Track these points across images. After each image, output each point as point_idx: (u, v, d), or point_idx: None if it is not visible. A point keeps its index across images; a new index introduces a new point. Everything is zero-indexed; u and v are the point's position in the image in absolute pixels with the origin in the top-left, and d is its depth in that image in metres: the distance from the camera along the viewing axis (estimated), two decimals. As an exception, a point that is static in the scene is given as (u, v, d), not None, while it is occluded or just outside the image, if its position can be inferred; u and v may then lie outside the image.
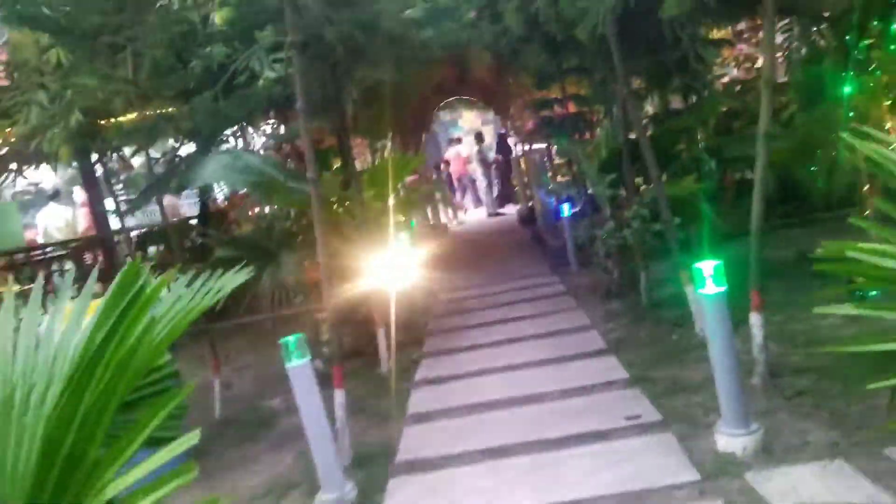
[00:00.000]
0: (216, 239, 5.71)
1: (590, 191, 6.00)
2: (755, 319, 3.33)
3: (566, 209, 7.11)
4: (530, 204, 11.24)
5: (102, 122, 5.78)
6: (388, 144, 10.26)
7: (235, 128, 7.15)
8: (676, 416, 3.24)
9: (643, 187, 4.96)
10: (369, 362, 4.86)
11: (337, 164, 7.15)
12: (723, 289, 2.77)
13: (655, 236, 4.44)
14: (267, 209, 7.08)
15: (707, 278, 2.79)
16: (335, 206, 5.52)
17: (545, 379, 3.98)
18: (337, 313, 5.03)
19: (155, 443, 1.27)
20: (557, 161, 8.09)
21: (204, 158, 5.63)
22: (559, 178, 7.98)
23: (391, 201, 5.91)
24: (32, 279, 7.99)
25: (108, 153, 6.76)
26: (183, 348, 6.37)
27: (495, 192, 15.05)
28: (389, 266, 5.49)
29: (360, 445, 3.52)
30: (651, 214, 4.32)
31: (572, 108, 7.41)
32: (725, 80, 7.15)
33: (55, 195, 11.10)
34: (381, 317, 4.68)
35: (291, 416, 3.90)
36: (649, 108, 7.28)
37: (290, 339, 2.95)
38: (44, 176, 11.37)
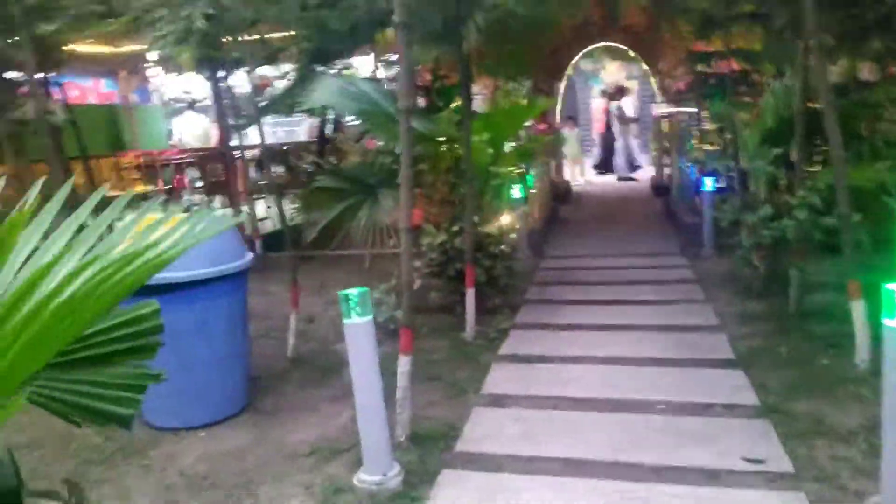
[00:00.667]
0: (320, 167, 5.39)
1: (743, 165, 5.04)
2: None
3: (708, 183, 6.15)
4: (668, 172, 10.13)
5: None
6: (520, 87, 9.52)
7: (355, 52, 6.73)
8: (814, 470, 2.50)
9: (816, 170, 4.00)
10: (455, 322, 4.40)
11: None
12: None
13: (824, 233, 3.54)
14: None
15: (905, 306, 2.01)
16: (444, 147, 5.01)
17: (653, 384, 3.32)
18: (428, 264, 4.63)
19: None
20: (708, 127, 7.02)
21: (317, 81, 5.31)
22: (706, 147, 6.93)
23: (506, 148, 5.31)
24: (165, 181, 8.31)
25: (232, 69, 6.65)
26: (280, 271, 6.29)
27: (635, 154, 13.88)
28: (493, 220, 4.95)
29: (420, 420, 3.08)
30: (824, 205, 3.42)
31: (735, 65, 6.31)
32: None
33: (192, 104, 11.48)
34: (474, 274, 4.18)
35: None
36: (832, 76, 6.02)
37: (353, 293, 2.51)
38: (194, 86, 11.79)
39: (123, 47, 7.62)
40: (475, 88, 10.12)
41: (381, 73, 8.97)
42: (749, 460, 2.56)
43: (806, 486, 2.41)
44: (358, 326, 2.51)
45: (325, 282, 6.02)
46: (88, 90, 12.29)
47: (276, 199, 4.58)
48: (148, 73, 12.23)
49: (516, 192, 6.35)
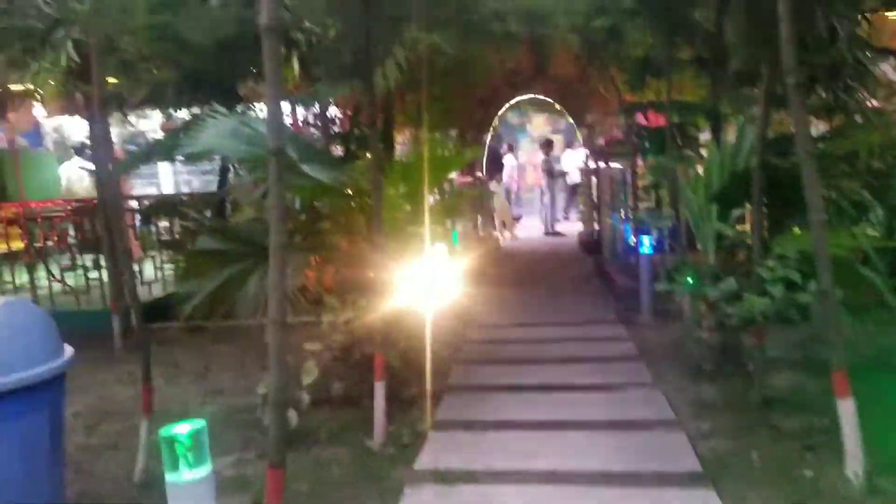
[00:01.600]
0: (200, 224, 4.50)
1: (686, 222, 4.55)
2: None
3: (647, 243, 5.65)
4: (596, 228, 9.77)
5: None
6: (445, 138, 8.97)
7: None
8: None
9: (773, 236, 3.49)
10: (362, 419, 3.56)
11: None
12: None
13: (799, 311, 2.99)
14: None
15: None
16: (354, 202, 4.25)
17: (606, 511, 2.58)
18: (329, 346, 3.80)
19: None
20: (642, 182, 6.61)
21: (207, 121, 4.48)
22: (642, 204, 6.51)
23: (429, 201, 4.59)
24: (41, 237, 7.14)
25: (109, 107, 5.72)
26: (164, 346, 5.27)
27: (558, 208, 13.63)
28: (412, 287, 4.18)
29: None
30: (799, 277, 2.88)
31: (665, 119, 5.95)
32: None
33: (81, 149, 10.30)
34: (384, 361, 3.38)
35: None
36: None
37: (182, 433, 1.66)
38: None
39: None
40: (398, 139, 9.54)
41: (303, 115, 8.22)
42: None
43: None
44: (189, 488, 1.66)
45: (210, 363, 5.05)
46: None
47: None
48: (37, 112, 10.98)
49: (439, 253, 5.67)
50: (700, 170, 4.24)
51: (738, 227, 3.76)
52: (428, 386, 3.99)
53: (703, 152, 6.47)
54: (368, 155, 5.18)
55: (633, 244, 6.28)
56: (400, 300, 3.80)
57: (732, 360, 4.01)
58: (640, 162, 6.67)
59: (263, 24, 1.96)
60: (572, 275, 8.28)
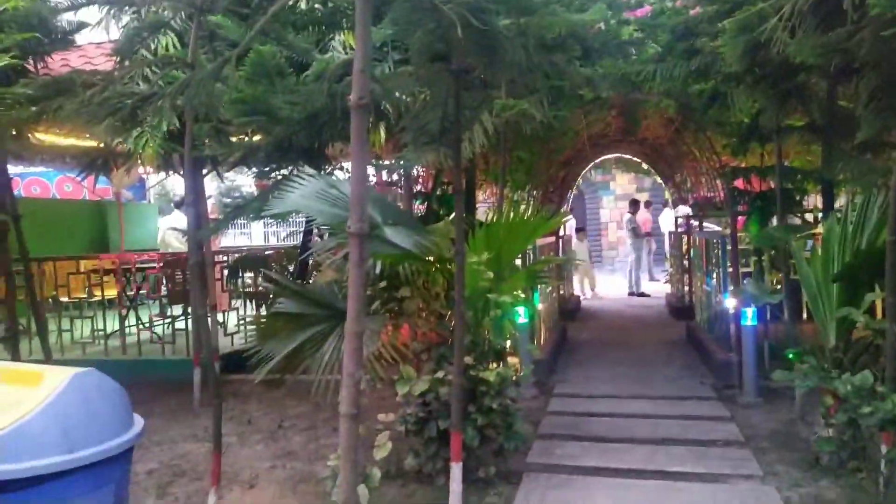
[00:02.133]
0: (279, 285, 4.49)
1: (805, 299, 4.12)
2: None
3: (750, 315, 5.17)
4: (688, 290, 9.21)
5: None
6: (528, 197, 8.82)
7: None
8: None
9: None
10: (434, 499, 3.32)
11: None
12: None
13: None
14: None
15: None
16: (436, 267, 4.11)
17: None
18: (404, 419, 3.61)
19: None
20: (743, 247, 6.17)
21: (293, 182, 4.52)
22: (743, 269, 6.05)
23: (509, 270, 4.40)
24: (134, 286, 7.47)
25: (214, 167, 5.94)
26: (240, 399, 5.24)
27: (643, 269, 13.08)
28: (491, 357, 3.95)
29: None
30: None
31: (771, 183, 5.54)
32: None
33: (180, 203, 10.83)
34: (461, 445, 3.14)
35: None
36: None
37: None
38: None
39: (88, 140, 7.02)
40: (480, 196, 9.47)
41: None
42: None
43: None
44: None
45: (284, 420, 4.97)
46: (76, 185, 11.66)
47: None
48: (142, 169, 11.74)
49: (521, 315, 5.42)
50: (813, 243, 3.84)
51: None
52: (507, 462, 3.73)
53: (809, 217, 6.00)
54: (451, 217, 5.10)
55: (731, 311, 5.81)
56: (479, 371, 3.58)
57: (858, 456, 3.51)
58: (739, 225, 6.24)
59: (353, 101, 1.87)
60: (662, 340, 7.79)
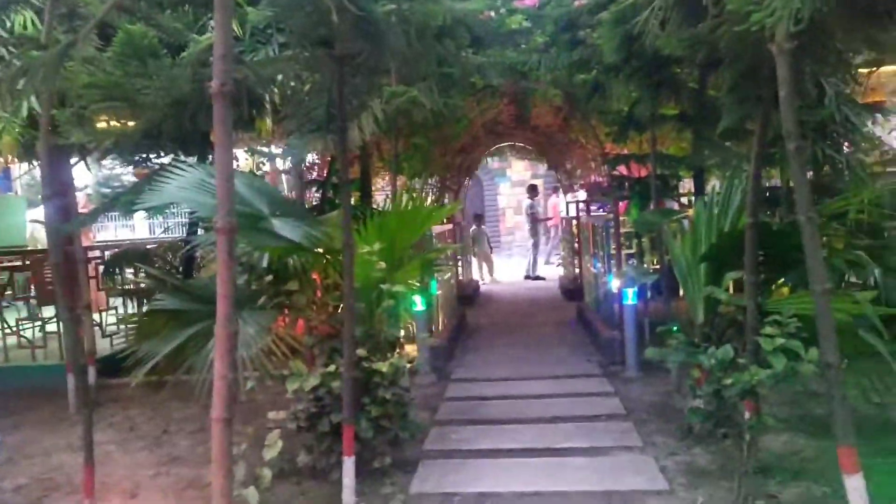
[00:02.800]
0: (158, 281, 4.24)
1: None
2: None
3: (630, 295, 5.48)
4: (578, 272, 9.62)
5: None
6: (426, 185, 8.85)
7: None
8: None
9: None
10: (329, 496, 3.28)
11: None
12: None
13: (802, 383, 2.80)
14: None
15: None
16: (326, 259, 4.02)
17: None
18: (295, 415, 3.53)
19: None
20: (624, 230, 6.50)
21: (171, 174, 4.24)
22: (625, 251, 6.38)
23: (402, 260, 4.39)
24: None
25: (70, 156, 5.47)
26: (119, 404, 4.91)
27: (541, 252, 13.52)
28: (385, 348, 3.92)
29: None
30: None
31: (645, 169, 5.87)
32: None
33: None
34: (354, 440, 3.10)
35: None
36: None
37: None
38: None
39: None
40: (379, 184, 9.38)
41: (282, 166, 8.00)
42: None
43: None
44: None
45: (169, 424, 4.73)
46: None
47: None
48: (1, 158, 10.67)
49: (418, 302, 5.45)
50: (686, 225, 4.10)
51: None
52: (403, 450, 3.74)
53: (684, 201, 6.42)
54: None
55: (615, 292, 6.12)
56: (372, 362, 3.56)
57: (725, 423, 3.80)
58: (621, 210, 6.57)
59: (214, 88, 1.77)
60: (556, 321, 8.09)
